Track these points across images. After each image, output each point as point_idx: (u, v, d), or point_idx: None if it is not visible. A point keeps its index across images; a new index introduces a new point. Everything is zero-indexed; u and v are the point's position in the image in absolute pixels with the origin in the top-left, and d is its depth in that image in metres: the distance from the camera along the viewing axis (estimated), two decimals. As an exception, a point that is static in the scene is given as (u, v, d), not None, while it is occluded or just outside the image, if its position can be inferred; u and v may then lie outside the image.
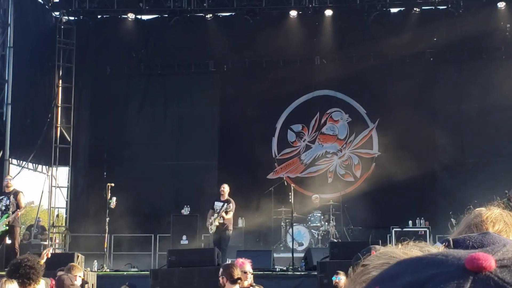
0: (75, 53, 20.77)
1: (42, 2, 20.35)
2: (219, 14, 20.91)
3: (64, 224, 20.81)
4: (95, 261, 15.22)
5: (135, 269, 15.13)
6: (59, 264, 9.65)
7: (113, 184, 15.58)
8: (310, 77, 20.08)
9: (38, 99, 19.67)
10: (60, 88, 20.51)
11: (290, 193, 15.80)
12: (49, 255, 9.90)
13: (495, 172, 17.97)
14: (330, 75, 19.91)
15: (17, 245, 14.10)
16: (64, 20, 20.84)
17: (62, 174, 21.20)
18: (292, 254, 14.91)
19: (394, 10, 20.66)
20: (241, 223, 17.88)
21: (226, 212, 14.75)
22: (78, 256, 12.56)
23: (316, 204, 17.68)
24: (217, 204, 14.96)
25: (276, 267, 14.27)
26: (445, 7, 19.90)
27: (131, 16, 20.71)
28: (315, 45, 20.32)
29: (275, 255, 15.50)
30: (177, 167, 19.98)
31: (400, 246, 0.76)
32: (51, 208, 20.59)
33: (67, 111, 20.73)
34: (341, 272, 9.26)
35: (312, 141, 20.21)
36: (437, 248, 0.74)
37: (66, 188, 20.85)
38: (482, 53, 19.76)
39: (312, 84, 20.16)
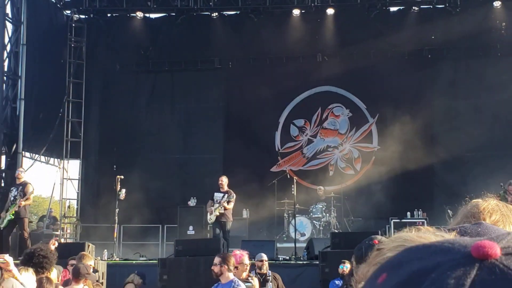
0: (86, 50, 20.77)
1: (54, 1, 20.35)
2: (224, 12, 20.89)
3: (75, 215, 20.86)
4: (105, 250, 15.25)
5: (144, 258, 15.16)
6: (70, 253, 9.68)
7: (122, 177, 15.61)
8: (312, 73, 20.07)
9: (50, 94, 19.67)
10: (71, 84, 20.50)
11: (292, 186, 15.81)
12: (56, 244, 9.93)
13: (491, 165, 17.94)
14: (332, 72, 19.88)
15: (26, 235, 14.13)
16: (75, 19, 20.83)
17: (73, 166, 21.28)
18: (295, 244, 14.93)
19: (393, 8, 20.63)
20: (245, 214, 17.90)
21: (228, 202, 14.67)
22: (88, 246, 12.59)
23: (321, 196, 17.67)
24: (217, 195, 14.87)
25: (279, 256, 14.30)
26: (442, 6, 19.84)
27: (139, 14, 20.70)
28: (317, 42, 20.29)
29: (278, 245, 15.53)
30: (184, 160, 20.01)
31: (414, 230, 0.75)
32: (63, 200, 20.61)
33: (78, 106, 20.74)
34: (347, 261, 9.27)
35: (314, 135, 20.20)
36: (451, 234, 0.73)
37: (77, 180, 20.88)
38: (479, 51, 19.71)
39: (314, 80, 20.15)
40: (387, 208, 17.76)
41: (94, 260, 10.84)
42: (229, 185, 15.08)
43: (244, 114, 20.19)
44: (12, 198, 14.04)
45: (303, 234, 16.75)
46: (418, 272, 0.64)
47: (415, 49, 19.85)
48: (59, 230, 18.90)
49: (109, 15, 21.33)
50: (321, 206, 17.20)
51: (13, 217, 13.92)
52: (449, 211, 14.58)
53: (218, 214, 14.60)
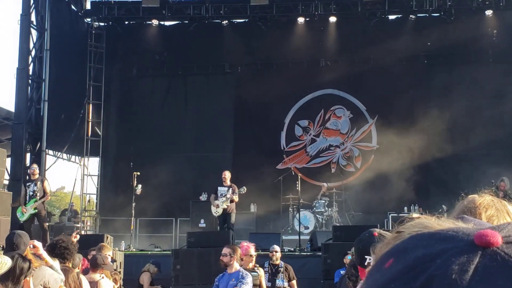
0: (105, 55, 20.81)
1: (75, 9, 20.39)
2: (234, 20, 20.90)
3: (94, 209, 20.92)
4: (123, 241, 15.27)
5: (158, 249, 15.18)
6: (90, 244, 9.68)
7: (138, 173, 15.62)
8: (315, 77, 20.04)
9: (71, 96, 19.72)
10: (91, 87, 20.55)
11: (297, 182, 15.81)
12: (77, 237, 9.93)
13: (483, 164, 17.86)
14: (334, 76, 19.87)
15: (45, 226, 14.19)
16: (95, 26, 20.90)
17: (93, 164, 21.33)
18: (299, 237, 14.92)
19: (392, 17, 20.58)
20: (253, 208, 17.90)
21: (236, 195, 14.44)
22: (107, 237, 12.59)
23: (324, 191, 17.64)
24: (221, 189, 14.66)
25: (284, 248, 14.26)
26: (438, 14, 19.83)
27: (155, 22, 20.73)
28: (320, 48, 20.28)
29: (284, 237, 15.50)
30: (196, 158, 20.01)
31: (434, 218, 0.74)
32: (83, 194, 20.68)
33: (98, 108, 20.80)
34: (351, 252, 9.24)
35: (317, 135, 20.18)
36: (469, 224, 0.72)
37: (97, 177, 20.93)
38: (472, 56, 19.65)
39: (317, 84, 20.12)
40: (386, 203, 17.72)
41: (113, 251, 10.86)
42: (232, 180, 14.98)
43: (252, 115, 20.21)
44: (31, 193, 14.03)
45: (306, 227, 16.73)
46: (424, 258, 0.63)
47: (412, 54, 19.80)
48: (80, 223, 18.96)
49: (126, 22, 21.36)
50: (323, 201, 17.18)
51: (36, 211, 13.96)
52: (443, 206, 14.55)
53: (225, 207, 14.50)
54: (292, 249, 14.47)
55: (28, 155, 17.75)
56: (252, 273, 8.04)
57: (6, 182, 16.53)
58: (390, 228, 15.23)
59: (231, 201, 14.49)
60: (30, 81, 17.81)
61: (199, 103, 20.72)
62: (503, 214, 1.92)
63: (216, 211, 14.65)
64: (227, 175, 14.81)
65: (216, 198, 14.60)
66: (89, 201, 21.20)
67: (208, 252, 12.16)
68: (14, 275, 4.29)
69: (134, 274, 12.34)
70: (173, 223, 18.44)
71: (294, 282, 10.54)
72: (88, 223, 20.63)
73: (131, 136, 20.76)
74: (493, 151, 18.42)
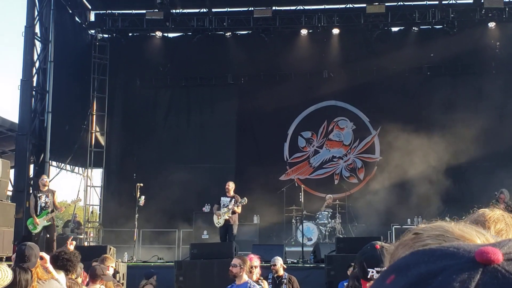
0: (109, 67, 20.87)
1: (79, 21, 20.47)
2: (237, 32, 20.96)
3: (98, 220, 20.89)
4: (126, 253, 15.24)
5: (161, 261, 15.13)
6: (93, 255, 9.67)
7: (142, 184, 15.60)
8: (318, 89, 20.05)
9: (75, 107, 19.76)
10: (95, 98, 20.60)
11: (300, 193, 15.76)
12: (73, 243, 9.88)
13: (486, 175, 17.88)
14: (337, 87, 19.88)
15: (54, 237, 14.19)
16: (99, 38, 20.99)
17: (96, 175, 21.34)
18: (302, 248, 14.86)
19: (395, 29, 20.62)
20: (256, 219, 17.87)
21: (238, 206, 14.38)
22: (110, 249, 12.57)
23: (329, 203, 17.61)
24: (224, 200, 14.58)
25: (287, 259, 14.21)
26: (441, 26, 19.85)
27: (158, 34, 20.81)
28: (323, 60, 20.31)
29: (287, 249, 15.46)
30: (199, 169, 19.98)
31: (453, 222, 0.74)
32: (87, 206, 20.68)
33: (101, 119, 20.83)
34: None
35: (320, 146, 20.18)
36: (488, 233, 0.72)
37: (100, 188, 20.93)
38: (474, 68, 19.67)
39: (320, 95, 20.14)
40: (389, 215, 17.68)
41: (115, 262, 10.83)
42: (235, 191, 14.96)
43: (255, 127, 20.22)
44: (43, 205, 14.01)
45: (310, 239, 16.68)
46: (426, 274, 0.64)
47: (415, 66, 19.83)
48: (83, 234, 18.93)
49: (130, 34, 21.43)
50: (327, 213, 17.14)
51: (49, 223, 13.95)
52: (447, 218, 14.47)
53: (227, 218, 14.40)
54: (295, 260, 14.42)
55: (31, 166, 17.75)
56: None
57: (10, 193, 16.53)
58: (394, 240, 15.21)
59: (233, 212, 14.42)
60: (34, 92, 17.84)
61: (202, 114, 20.75)
62: None
63: (218, 222, 14.55)
64: (230, 185, 14.73)
65: (219, 209, 14.54)
66: (92, 212, 21.18)
67: (211, 263, 12.15)
68: (20, 287, 4.28)
69: (137, 285, 12.29)
70: (176, 234, 18.41)
71: (297, 293, 10.51)
72: (91, 235, 20.60)
73: (134, 147, 20.78)
74: (496, 162, 18.38)
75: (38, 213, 13.93)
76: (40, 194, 14.11)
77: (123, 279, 11.77)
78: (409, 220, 17.05)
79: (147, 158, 20.45)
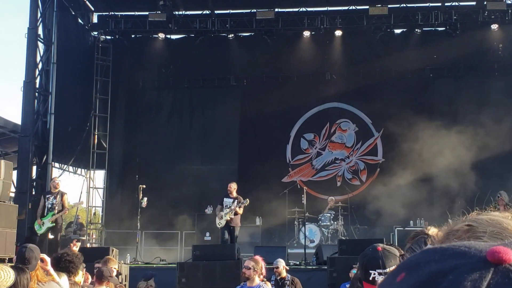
0: (111, 68, 20.89)
1: (82, 23, 20.49)
2: (240, 34, 20.96)
3: (100, 221, 20.90)
4: (128, 254, 15.25)
5: (164, 262, 15.13)
6: (96, 257, 9.66)
7: (144, 186, 15.60)
8: (321, 90, 20.05)
9: (78, 109, 19.76)
10: (97, 100, 20.61)
11: (302, 195, 15.77)
12: (77, 245, 9.87)
13: (489, 177, 17.86)
14: (339, 89, 19.89)
15: (58, 238, 14.24)
16: (101, 39, 21.01)
17: (99, 176, 21.33)
18: (305, 250, 14.86)
19: (397, 30, 20.60)
20: (258, 221, 17.86)
21: (240, 207, 14.34)
22: (113, 250, 12.58)
23: (331, 206, 17.61)
24: (227, 201, 14.51)
25: (290, 261, 14.20)
26: (443, 28, 19.85)
27: (161, 36, 20.82)
28: (326, 62, 20.31)
29: (289, 250, 15.44)
30: (201, 171, 19.99)
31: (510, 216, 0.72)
32: (89, 207, 20.68)
33: (104, 120, 20.84)
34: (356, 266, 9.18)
35: (322, 148, 20.17)
36: None
37: (102, 189, 20.94)
38: (477, 70, 19.66)
39: (323, 97, 20.13)
40: (391, 217, 17.64)
41: (118, 264, 10.82)
42: (238, 192, 14.93)
43: (258, 128, 20.21)
44: (49, 206, 14.04)
45: (312, 241, 16.67)
46: (436, 273, 0.63)
47: (417, 68, 19.81)
48: (85, 236, 18.93)
49: (133, 36, 21.45)
50: (329, 215, 17.14)
51: (54, 224, 13.98)
52: (449, 220, 14.44)
53: (228, 219, 14.34)
54: (298, 262, 14.40)
55: (34, 168, 17.75)
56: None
57: (13, 194, 16.54)
58: (396, 242, 15.18)
59: (235, 213, 14.37)
60: (36, 94, 17.85)
61: (205, 116, 20.76)
62: None
63: (219, 222, 14.52)
64: (233, 186, 14.66)
65: (222, 210, 14.52)
66: (94, 213, 21.19)
67: (213, 265, 12.14)
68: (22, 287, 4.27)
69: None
70: (179, 236, 18.39)
71: (300, 295, 10.50)
72: (94, 236, 20.61)
73: (136, 149, 20.79)
74: (498, 164, 18.36)
75: (45, 214, 13.98)
76: (49, 196, 14.16)
77: (125, 281, 11.76)
78: (411, 222, 17.04)
79: (149, 160, 20.46)
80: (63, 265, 5.94)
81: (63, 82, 18.55)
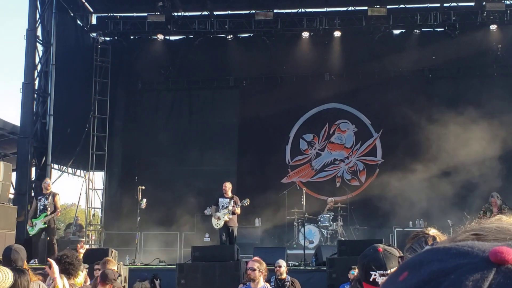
0: (110, 69, 20.88)
1: (81, 24, 20.49)
2: (239, 35, 20.96)
3: (99, 223, 20.88)
4: (127, 255, 15.23)
5: (163, 263, 15.11)
6: (95, 258, 9.65)
7: (143, 187, 15.59)
8: (320, 91, 20.05)
9: (77, 110, 19.76)
10: (96, 101, 20.61)
11: (302, 196, 15.75)
12: (84, 247, 9.84)
13: (487, 178, 17.84)
14: (338, 90, 19.90)
15: (54, 240, 14.22)
16: (100, 40, 21.00)
17: (98, 178, 21.33)
18: (304, 251, 14.84)
19: (396, 31, 20.61)
20: (257, 222, 17.85)
21: (239, 207, 14.19)
22: (112, 251, 12.55)
23: (330, 206, 17.60)
24: (223, 201, 14.36)
25: (289, 262, 14.18)
26: (442, 29, 19.87)
27: (160, 37, 20.82)
28: (325, 63, 20.31)
29: (289, 251, 15.42)
30: (200, 172, 19.98)
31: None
32: (88, 208, 20.67)
33: (103, 122, 20.83)
34: (356, 267, 9.17)
35: (322, 149, 20.17)
36: None
37: (102, 191, 20.93)
38: (476, 71, 19.67)
39: (322, 98, 20.13)
40: (390, 217, 17.66)
41: (117, 265, 10.80)
42: (237, 193, 14.88)
43: (257, 129, 20.20)
44: (41, 207, 14.06)
45: (311, 242, 16.67)
46: (438, 272, 0.63)
47: (416, 69, 19.83)
48: (84, 237, 18.93)
49: (132, 37, 21.45)
50: (328, 216, 17.13)
51: (46, 225, 13.99)
52: (449, 221, 14.49)
53: (227, 219, 14.25)
54: (297, 263, 14.38)
55: (33, 169, 17.75)
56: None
57: (12, 196, 16.54)
58: (395, 243, 15.17)
59: (233, 213, 14.30)
60: (35, 95, 17.84)
61: (204, 117, 20.76)
62: None
63: (217, 224, 14.38)
64: (228, 186, 14.54)
65: (217, 210, 14.39)
66: (94, 215, 21.17)
67: (212, 266, 12.12)
68: None
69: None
70: (178, 237, 18.38)
71: (300, 296, 10.49)
72: (93, 237, 20.59)
73: (136, 150, 20.78)
74: (498, 165, 18.35)
75: (37, 215, 13.98)
76: (41, 197, 14.15)
77: (124, 282, 11.73)
78: (411, 222, 17.04)
79: (148, 161, 20.46)
80: (63, 267, 5.93)
81: (62, 84, 18.55)
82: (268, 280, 9.75)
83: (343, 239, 16.12)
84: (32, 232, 13.92)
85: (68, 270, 5.95)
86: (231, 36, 20.69)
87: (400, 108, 19.29)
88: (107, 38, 21.30)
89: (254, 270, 7.42)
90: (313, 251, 15.21)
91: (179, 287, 12.12)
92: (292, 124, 20.30)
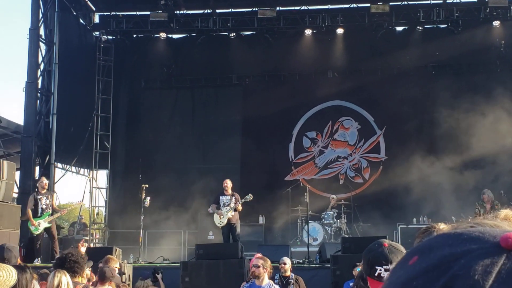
0: (113, 68, 20.90)
1: (84, 23, 20.51)
2: (241, 33, 20.96)
3: (103, 221, 20.92)
4: (131, 254, 15.26)
5: (167, 261, 15.12)
6: (99, 257, 9.65)
7: (147, 185, 15.61)
8: (323, 89, 20.03)
9: (80, 109, 19.79)
10: (99, 100, 20.63)
11: (305, 194, 15.75)
12: (84, 245, 9.85)
13: (492, 175, 17.82)
14: (341, 87, 19.88)
15: (56, 239, 14.31)
16: (103, 39, 21.01)
17: (102, 176, 21.38)
18: (308, 248, 14.85)
19: (399, 28, 20.58)
20: (261, 220, 17.86)
21: (240, 204, 14.15)
22: (116, 250, 12.57)
23: (333, 204, 17.60)
24: (224, 198, 14.33)
25: (293, 260, 14.19)
26: (445, 25, 19.84)
27: (162, 35, 20.83)
28: (328, 60, 20.29)
29: (292, 249, 15.44)
30: (203, 170, 19.96)
31: None
32: (92, 207, 20.71)
33: (106, 120, 20.85)
34: (360, 264, 9.16)
35: (325, 146, 20.16)
36: None
37: (105, 189, 20.95)
38: (479, 67, 19.63)
39: (325, 95, 20.12)
40: (394, 214, 17.65)
41: (121, 263, 10.82)
42: (240, 190, 14.86)
43: (260, 127, 20.20)
44: (44, 206, 14.10)
45: (315, 239, 16.66)
46: (448, 257, 0.62)
47: (419, 65, 19.79)
48: (88, 236, 18.96)
49: (134, 36, 21.47)
50: (332, 213, 17.12)
51: (50, 225, 14.07)
52: (453, 217, 14.45)
53: (230, 216, 14.23)
54: (301, 261, 14.39)
55: (37, 168, 17.77)
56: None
57: (15, 195, 16.56)
58: (399, 240, 15.17)
59: (235, 210, 14.29)
60: (39, 94, 17.88)
61: (207, 115, 20.76)
62: None
63: (220, 222, 14.36)
64: (228, 183, 14.51)
65: (218, 208, 14.37)
66: (97, 213, 21.22)
67: (216, 264, 12.13)
68: (21, 287, 4.26)
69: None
70: (182, 235, 18.41)
71: (304, 293, 10.48)
72: (97, 236, 20.64)
73: (139, 149, 20.80)
74: (501, 162, 18.32)
75: (39, 214, 14.01)
76: (40, 196, 14.19)
77: (129, 280, 11.75)
78: (414, 219, 17.03)
79: (152, 159, 20.48)
80: (68, 265, 5.93)
81: (65, 83, 18.58)
82: (272, 278, 9.75)
83: (347, 236, 16.13)
84: (36, 231, 13.96)
85: (73, 269, 5.95)
86: (234, 34, 20.69)
87: (403, 105, 19.28)
88: (110, 37, 21.31)
89: (259, 267, 7.42)
90: (317, 249, 15.21)
91: (183, 285, 12.13)
92: (295, 121, 20.29)
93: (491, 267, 0.61)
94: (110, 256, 9.28)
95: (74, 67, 19.32)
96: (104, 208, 21.01)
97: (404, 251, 2.99)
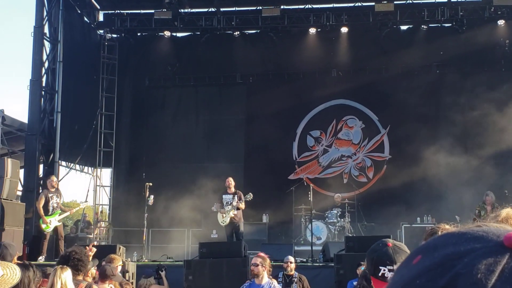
0: (117, 66, 20.92)
1: (88, 21, 20.52)
2: (245, 31, 20.95)
3: (107, 219, 20.94)
4: (135, 252, 15.27)
5: (171, 260, 15.13)
6: (103, 255, 9.65)
7: (151, 184, 15.62)
8: (327, 87, 20.02)
9: (84, 107, 19.81)
10: (104, 98, 20.65)
11: (309, 192, 15.73)
12: (93, 250, 9.86)
13: (495, 174, 17.80)
14: (346, 86, 19.86)
15: (62, 237, 14.35)
16: (107, 37, 21.03)
17: (106, 174, 21.37)
18: (311, 247, 14.84)
19: (404, 27, 20.54)
20: (265, 219, 17.86)
21: (242, 202, 14.14)
22: (119, 248, 12.59)
23: (337, 203, 17.58)
24: (226, 197, 14.34)
25: (297, 258, 14.17)
26: (450, 24, 19.80)
27: (167, 33, 20.83)
28: (332, 58, 20.28)
29: (296, 248, 15.44)
30: (207, 168, 19.97)
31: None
32: (96, 205, 20.72)
33: (110, 118, 20.87)
34: (364, 263, 9.17)
35: (329, 145, 20.15)
36: None
37: (109, 187, 20.98)
38: (484, 66, 19.59)
39: (329, 94, 20.10)
40: (398, 213, 17.62)
41: (125, 261, 10.83)
42: (244, 189, 14.85)
43: (264, 126, 20.18)
44: (55, 205, 14.14)
45: (319, 238, 16.66)
46: (451, 255, 0.63)
47: (424, 64, 19.77)
48: (92, 234, 18.98)
49: (139, 34, 21.48)
50: (336, 212, 17.11)
51: (60, 223, 14.13)
52: (457, 217, 14.44)
53: (233, 215, 14.23)
54: (305, 260, 14.38)
55: (41, 166, 17.80)
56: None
57: (20, 193, 16.60)
58: (403, 239, 15.15)
59: (238, 208, 14.28)
60: (43, 92, 17.89)
61: (211, 114, 20.77)
62: None
63: (223, 221, 14.38)
64: (231, 181, 14.52)
65: (222, 207, 14.38)
66: (101, 211, 21.23)
67: (220, 262, 12.13)
68: (23, 285, 4.27)
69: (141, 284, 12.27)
70: (185, 233, 18.42)
71: (307, 292, 10.49)
72: (101, 234, 20.65)
73: (143, 147, 20.82)
74: (506, 160, 18.30)
75: (50, 213, 14.03)
76: (51, 195, 14.22)
77: (132, 278, 11.77)
78: (418, 218, 17.01)
79: (156, 158, 20.49)
80: (72, 263, 5.95)
81: (69, 81, 18.60)
82: (275, 276, 9.76)
83: (350, 235, 16.11)
84: (48, 229, 13.98)
85: (77, 266, 5.97)
86: (238, 32, 20.69)
87: (407, 104, 19.26)
88: (114, 35, 21.33)
89: (257, 265, 7.43)
90: (320, 248, 15.20)
91: (187, 283, 12.14)
92: (299, 120, 20.28)
93: (494, 266, 0.61)
94: (113, 255, 9.30)
95: (78, 65, 19.34)
96: (108, 206, 21.04)
97: (408, 251, 2.98)
